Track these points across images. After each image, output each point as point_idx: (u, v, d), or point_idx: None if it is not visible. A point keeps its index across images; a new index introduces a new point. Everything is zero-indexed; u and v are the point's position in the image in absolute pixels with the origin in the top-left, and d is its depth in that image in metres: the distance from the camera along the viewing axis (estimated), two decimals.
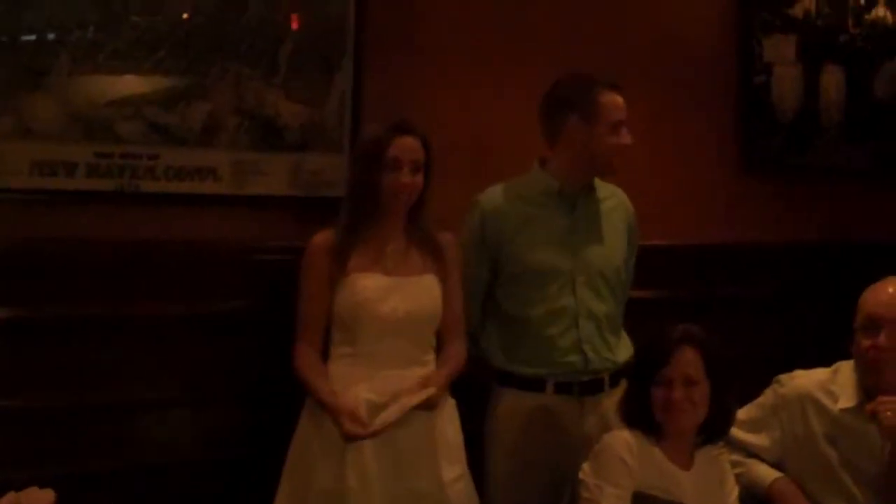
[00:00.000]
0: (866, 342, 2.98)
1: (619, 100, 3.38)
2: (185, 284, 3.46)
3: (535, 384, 3.38)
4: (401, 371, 3.17)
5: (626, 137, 3.38)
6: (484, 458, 3.41)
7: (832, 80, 4.62)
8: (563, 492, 3.33)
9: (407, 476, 3.12)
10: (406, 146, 3.19)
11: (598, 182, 3.50)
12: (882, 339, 2.95)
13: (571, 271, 3.38)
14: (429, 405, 3.12)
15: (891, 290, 3.02)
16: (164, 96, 3.46)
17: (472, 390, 3.38)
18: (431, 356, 3.27)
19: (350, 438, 3.04)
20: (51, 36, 3.31)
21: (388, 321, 3.16)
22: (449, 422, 3.23)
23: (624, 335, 3.52)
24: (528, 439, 3.37)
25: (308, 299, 3.22)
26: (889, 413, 2.82)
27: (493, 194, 3.46)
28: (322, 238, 3.23)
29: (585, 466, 2.89)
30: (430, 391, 3.11)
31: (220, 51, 3.53)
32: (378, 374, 3.15)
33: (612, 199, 3.54)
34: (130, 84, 3.42)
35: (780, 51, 4.53)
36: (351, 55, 3.72)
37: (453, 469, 3.19)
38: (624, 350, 3.47)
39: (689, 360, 2.87)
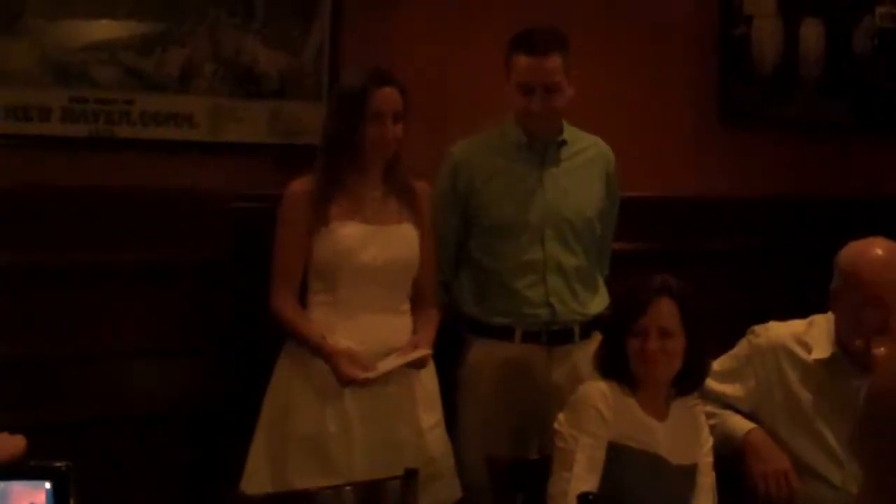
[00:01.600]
0: (875, 318, 2.95)
1: (529, 63, 3.32)
2: (161, 232, 3.43)
3: (503, 333, 3.41)
4: (378, 318, 3.18)
5: (533, 103, 3.33)
6: (456, 406, 3.43)
7: (812, 33, 4.61)
8: (532, 441, 3.35)
9: (387, 424, 3.15)
10: (388, 97, 3.16)
11: (576, 133, 3.50)
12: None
13: (540, 224, 3.39)
14: (419, 364, 3.16)
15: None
16: (140, 41, 3.42)
17: (445, 339, 3.39)
18: (407, 305, 3.28)
19: (348, 382, 3.06)
20: None
21: (368, 270, 3.16)
22: (426, 370, 3.25)
23: (601, 288, 3.53)
24: (497, 388, 3.40)
25: (286, 247, 3.20)
26: (883, 348, 2.83)
27: (466, 145, 3.47)
28: (300, 186, 3.21)
29: (561, 417, 2.89)
30: (424, 352, 3.15)
31: None
32: (356, 322, 3.16)
33: (591, 149, 3.53)
34: (106, 28, 3.38)
35: (760, 3, 4.51)
36: (329, 1, 3.68)
37: (431, 416, 3.24)
38: (599, 302, 3.48)
39: (665, 312, 2.87)
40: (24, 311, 3.25)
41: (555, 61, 3.32)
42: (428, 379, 3.26)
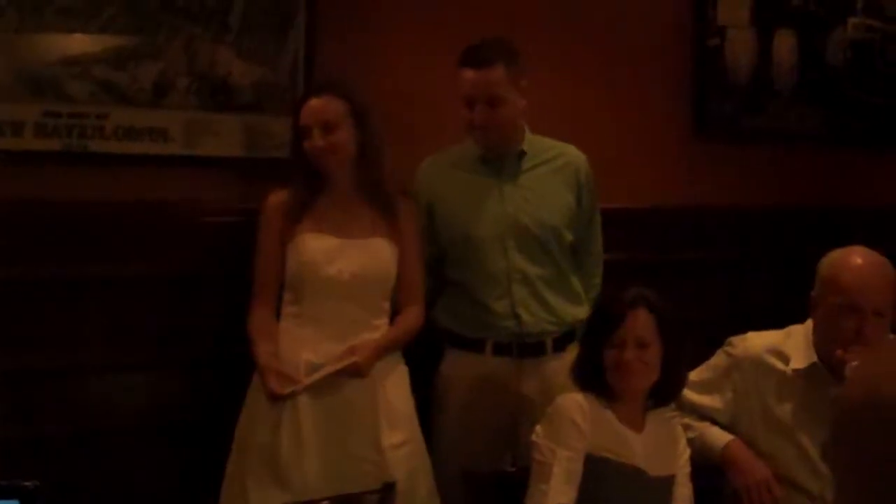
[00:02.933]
0: (851, 324, 2.96)
1: (470, 76, 3.32)
2: (136, 246, 3.42)
3: (475, 346, 3.41)
4: (348, 332, 3.17)
5: (475, 116, 3.33)
6: (432, 420, 3.42)
7: (785, 44, 4.63)
8: (505, 454, 3.35)
9: (344, 440, 3.13)
10: (311, 110, 3.21)
11: (542, 142, 3.51)
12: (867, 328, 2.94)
13: (501, 235, 3.39)
14: (356, 373, 3.12)
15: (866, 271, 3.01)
16: (114, 55, 3.39)
17: (429, 354, 3.39)
18: (383, 321, 3.26)
19: (274, 397, 3.06)
20: None
21: (333, 283, 3.16)
22: (396, 387, 3.24)
23: (582, 296, 3.51)
24: (468, 400, 3.41)
25: (262, 258, 3.24)
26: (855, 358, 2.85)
27: (431, 160, 3.51)
28: (276, 197, 3.25)
29: (538, 429, 2.89)
30: (353, 359, 3.11)
31: (171, 9, 3.46)
32: (323, 335, 3.16)
33: (560, 158, 3.51)
34: (79, 42, 3.35)
35: (734, 14, 4.53)
36: (304, 14, 3.66)
37: (395, 435, 3.19)
38: (580, 311, 3.46)
39: (641, 323, 2.88)
40: (1, 326, 3.23)
41: (495, 73, 3.30)
42: (396, 396, 3.24)
